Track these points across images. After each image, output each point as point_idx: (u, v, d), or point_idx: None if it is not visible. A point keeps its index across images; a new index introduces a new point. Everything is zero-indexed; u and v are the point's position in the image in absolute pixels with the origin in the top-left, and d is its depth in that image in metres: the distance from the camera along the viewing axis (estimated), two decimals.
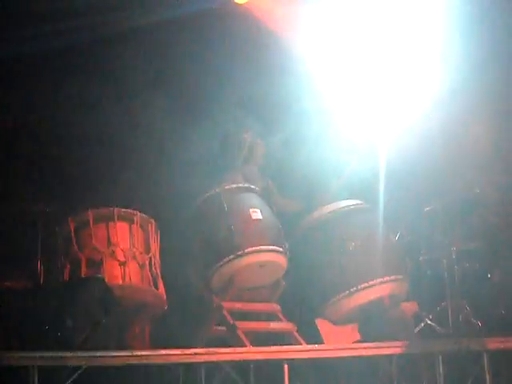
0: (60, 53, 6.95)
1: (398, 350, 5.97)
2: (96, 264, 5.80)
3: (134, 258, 5.91)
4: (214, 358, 5.50)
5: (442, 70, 7.16)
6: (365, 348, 5.97)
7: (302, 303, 6.56)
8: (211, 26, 7.43)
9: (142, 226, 6.09)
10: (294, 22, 7.55)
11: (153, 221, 6.19)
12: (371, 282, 6.27)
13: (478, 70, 7.14)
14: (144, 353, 5.39)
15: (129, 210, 6.07)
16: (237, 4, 7.38)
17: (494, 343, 6.12)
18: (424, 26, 7.17)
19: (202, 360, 5.47)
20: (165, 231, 6.31)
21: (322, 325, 6.28)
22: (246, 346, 5.79)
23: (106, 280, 5.52)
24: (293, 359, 5.70)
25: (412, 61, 7.29)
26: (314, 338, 6.23)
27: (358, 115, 7.37)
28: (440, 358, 6.09)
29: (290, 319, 6.34)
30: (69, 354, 5.05)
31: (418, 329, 6.74)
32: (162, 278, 6.09)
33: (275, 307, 6.38)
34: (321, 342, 6.19)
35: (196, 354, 5.47)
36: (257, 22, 7.51)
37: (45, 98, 7.00)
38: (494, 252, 6.95)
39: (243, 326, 6.03)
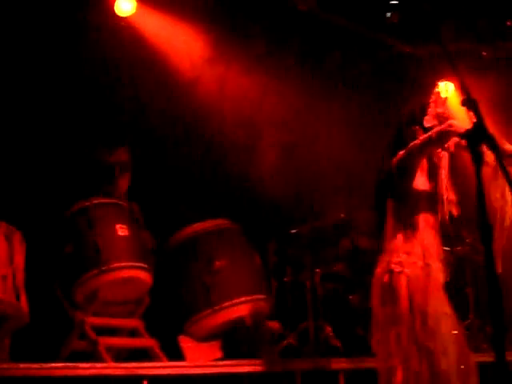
0: None
1: (258, 368, 6.07)
2: None
3: None
4: (72, 373, 5.46)
5: None
6: (225, 365, 6.05)
7: (167, 320, 6.61)
8: None
9: (6, 237, 5.97)
10: None
11: (19, 232, 6.09)
12: (235, 301, 6.38)
13: None
14: (3, 366, 5.31)
15: None
16: None
17: (350, 363, 6.33)
18: None
19: (60, 374, 5.43)
20: (32, 243, 6.22)
21: (184, 342, 6.34)
22: (106, 362, 5.80)
23: None
24: (153, 375, 5.72)
25: None
26: (176, 354, 6.28)
27: None
28: (299, 376, 6.23)
29: (154, 335, 6.37)
30: None
31: (279, 348, 6.88)
32: (27, 290, 6.00)
33: (138, 323, 6.40)
34: (183, 359, 6.25)
35: (55, 368, 5.44)
36: None
37: None
38: (355, 275, 7.19)
39: (105, 341, 6.02)
